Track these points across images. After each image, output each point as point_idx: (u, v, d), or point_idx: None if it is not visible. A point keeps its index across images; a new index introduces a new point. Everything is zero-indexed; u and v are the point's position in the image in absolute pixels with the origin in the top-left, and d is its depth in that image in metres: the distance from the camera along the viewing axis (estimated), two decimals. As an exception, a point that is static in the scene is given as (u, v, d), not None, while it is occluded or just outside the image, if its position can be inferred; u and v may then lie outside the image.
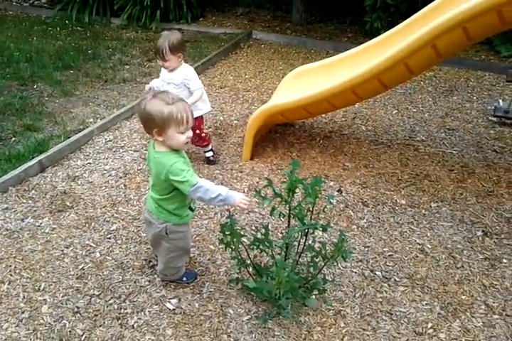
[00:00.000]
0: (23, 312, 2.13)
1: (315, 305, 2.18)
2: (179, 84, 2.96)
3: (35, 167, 3.12)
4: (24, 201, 2.85)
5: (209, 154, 3.33)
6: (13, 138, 3.54)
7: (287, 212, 2.24)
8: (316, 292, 2.21)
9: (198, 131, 3.12)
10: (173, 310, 2.16)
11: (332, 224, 2.67)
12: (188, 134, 1.91)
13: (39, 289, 2.25)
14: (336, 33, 6.21)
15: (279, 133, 3.73)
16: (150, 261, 2.44)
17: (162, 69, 3.01)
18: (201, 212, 2.83)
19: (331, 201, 2.23)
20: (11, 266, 2.37)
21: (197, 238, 2.62)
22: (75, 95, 4.31)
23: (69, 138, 3.48)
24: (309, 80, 3.61)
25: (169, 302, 2.20)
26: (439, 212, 2.84)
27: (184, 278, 2.30)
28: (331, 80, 3.09)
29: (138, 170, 3.20)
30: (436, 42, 2.69)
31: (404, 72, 2.96)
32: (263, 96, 4.38)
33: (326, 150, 3.50)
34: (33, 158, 3.20)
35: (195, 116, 2.80)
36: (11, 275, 2.32)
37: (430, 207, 2.89)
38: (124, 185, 3.03)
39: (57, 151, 3.29)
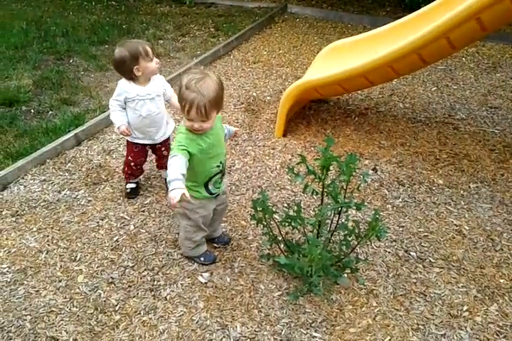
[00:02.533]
0: (60, 281, 2.19)
1: (347, 284, 2.16)
2: (160, 95, 2.54)
3: (71, 140, 3.18)
4: (61, 173, 2.92)
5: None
6: (50, 112, 3.61)
7: (320, 189, 2.20)
8: (348, 270, 2.19)
9: (166, 152, 2.68)
10: (205, 283, 2.19)
11: (366, 203, 2.62)
12: None
13: (75, 259, 2.31)
14: (374, 6, 5.97)
15: (312, 110, 3.65)
16: (182, 235, 2.46)
17: (125, 86, 2.43)
18: (233, 188, 2.82)
19: (366, 179, 2.17)
20: (48, 236, 2.45)
21: (228, 214, 2.62)
22: (109, 70, 4.32)
23: (104, 112, 3.52)
24: (345, 55, 3.50)
25: (201, 275, 2.22)
26: (478, 193, 2.73)
27: (202, 258, 2.28)
28: (368, 55, 2.98)
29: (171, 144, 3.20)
30: (481, 15, 2.53)
31: (446, 47, 2.81)
32: (297, 72, 4.28)
33: (361, 127, 3.40)
34: (69, 131, 3.25)
35: (170, 133, 2.67)
36: (48, 245, 2.39)
37: (469, 187, 2.78)
38: (156, 159, 3.04)
39: (93, 125, 3.34)
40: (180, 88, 1.83)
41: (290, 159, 3.07)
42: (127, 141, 2.62)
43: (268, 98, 3.86)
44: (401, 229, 2.50)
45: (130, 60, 2.34)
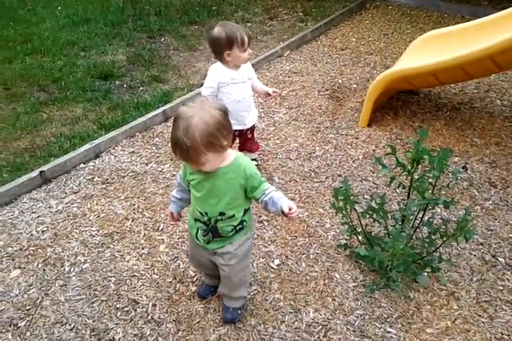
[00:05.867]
0: (143, 248, 2.30)
1: (426, 283, 2.08)
2: (251, 78, 2.55)
3: (159, 116, 3.29)
4: (149, 147, 3.04)
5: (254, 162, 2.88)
6: (141, 88, 3.75)
7: (406, 183, 2.12)
8: (428, 269, 2.10)
9: (250, 136, 2.74)
10: (279, 265, 2.20)
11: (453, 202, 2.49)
12: None
13: (158, 229, 2.41)
14: (476, -5, 5.58)
15: (401, 101, 3.51)
16: (260, 216, 2.49)
17: (218, 70, 2.45)
18: (312, 174, 2.80)
19: (457, 177, 2.06)
20: (134, 204, 2.57)
21: (306, 200, 2.60)
22: (198, 50, 4.42)
23: (191, 91, 3.60)
24: (441, 46, 3.31)
25: (276, 258, 2.24)
26: None
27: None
28: (466, 47, 2.79)
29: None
30: None
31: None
32: (387, 61, 4.13)
33: (453, 123, 3.22)
34: (158, 107, 3.37)
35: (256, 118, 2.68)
36: (134, 213, 2.51)
37: None
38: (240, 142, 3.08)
39: (181, 103, 3.43)
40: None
41: (374, 150, 2.98)
42: None
43: (354, 86, 3.75)
44: (489, 232, 2.35)
45: (224, 44, 2.33)
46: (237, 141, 2.77)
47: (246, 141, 2.74)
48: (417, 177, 2.05)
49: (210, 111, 1.49)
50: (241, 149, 2.84)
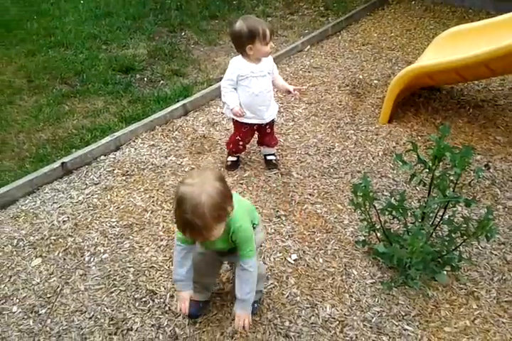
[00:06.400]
0: (161, 240, 2.33)
1: (445, 281, 2.06)
2: (270, 72, 2.54)
3: (179, 110, 3.31)
4: (168, 140, 3.06)
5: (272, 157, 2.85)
6: (162, 81, 3.78)
7: (427, 180, 2.10)
8: (448, 268, 2.08)
9: (269, 130, 2.74)
10: (297, 260, 2.20)
11: (475, 201, 2.45)
12: None
13: (176, 222, 2.43)
14: (502, -10, 5.45)
15: (423, 98, 3.46)
16: (277, 211, 2.49)
17: (238, 63, 2.46)
18: (331, 170, 2.78)
19: (480, 175, 2.03)
20: (154, 197, 2.59)
21: (325, 195, 2.59)
22: (218, 44, 4.42)
23: (211, 85, 3.61)
24: (465, 42, 3.24)
25: (293, 253, 2.24)
26: None
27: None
28: (491, 44, 2.73)
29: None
30: None
31: None
32: (409, 57, 4.07)
33: (476, 120, 3.17)
34: (178, 101, 3.39)
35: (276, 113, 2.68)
36: (153, 205, 2.54)
37: None
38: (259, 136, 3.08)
39: (200, 97, 3.44)
40: (174, 201, 1.54)
41: (394, 147, 2.95)
42: (235, 121, 2.63)
43: (375, 82, 3.71)
44: (511, 232, 2.31)
45: (246, 37, 2.34)
46: (256, 135, 2.78)
47: (265, 135, 2.73)
48: (438, 174, 2.02)
49: (211, 184, 1.48)
50: (260, 143, 2.84)
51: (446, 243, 2.08)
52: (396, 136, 3.06)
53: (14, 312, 1.99)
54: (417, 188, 2.60)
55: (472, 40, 3.20)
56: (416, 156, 2.02)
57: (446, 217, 2.12)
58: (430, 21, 4.83)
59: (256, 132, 2.74)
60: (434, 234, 2.17)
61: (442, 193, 2.04)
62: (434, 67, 2.96)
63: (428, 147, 2.78)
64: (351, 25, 4.79)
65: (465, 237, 2.00)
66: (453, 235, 2.06)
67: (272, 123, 2.70)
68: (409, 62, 3.79)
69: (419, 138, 3.02)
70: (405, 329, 1.87)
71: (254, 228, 1.77)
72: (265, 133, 2.72)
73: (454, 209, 2.28)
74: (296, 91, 2.61)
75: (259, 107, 2.54)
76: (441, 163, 2.56)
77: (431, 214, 2.15)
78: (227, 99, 2.51)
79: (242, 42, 2.37)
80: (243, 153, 2.87)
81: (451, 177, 2.02)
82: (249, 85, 2.47)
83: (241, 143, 2.69)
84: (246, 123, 2.60)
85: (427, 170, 2.03)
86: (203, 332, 1.90)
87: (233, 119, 2.64)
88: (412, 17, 4.95)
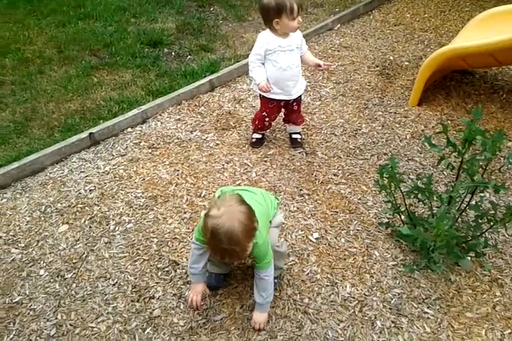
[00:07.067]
0: (185, 213, 2.35)
1: (469, 267, 2.04)
2: (299, 47, 2.51)
3: (206, 85, 3.30)
4: (194, 115, 3.06)
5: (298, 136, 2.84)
6: (189, 56, 3.76)
7: (456, 164, 2.06)
8: (472, 254, 2.06)
9: (296, 108, 2.70)
10: (318, 239, 2.20)
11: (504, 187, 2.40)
12: None
13: (200, 195, 2.45)
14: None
15: (454, 81, 3.37)
16: (301, 190, 2.48)
17: (266, 37, 2.44)
18: (357, 151, 2.76)
19: (510, 161, 1.98)
20: (178, 170, 2.61)
21: (349, 176, 2.57)
22: (247, 20, 4.36)
23: (238, 61, 3.58)
24: (502, 25, 3.12)
25: (315, 231, 2.24)
26: None
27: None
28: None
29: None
30: None
31: None
32: (442, 39, 3.96)
33: (509, 106, 3.08)
34: (204, 76, 3.38)
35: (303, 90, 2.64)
36: (178, 178, 2.56)
37: None
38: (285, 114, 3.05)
39: (227, 73, 3.42)
40: (206, 232, 1.56)
41: (423, 130, 2.90)
42: (262, 97, 2.61)
43: (406, 63, 3.63)
44: (540, 220, 2.26)
45: (273, 12, 2.31)
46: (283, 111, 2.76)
47: (292, 112, 2.71)
48: (467, 158, 1.98)
49: (238, 210, 1.53)
50: (286, 121, 2.81)
51: (471, 228, 2.05)
52: (425, 119, 2.99)
53: (41, 276, 2.05)
54: (444, 173, 2.56)
55: (509, 22, 3.08)
56: (445, 140, 1.97)
57: (473, 202, 2.09)
58: (466, 3, 4.68)
59: (283, 109, 2.72)
60: (460, 218, 2.14)
61: (471, 178, 2.00)
62: (468, 49, 2.87)
63: (458, 131, 2.72)
64: (384, 4, 4.67)
65: (492, 223, 1.97)
66: (479, 221, 2.03)
67: (299, 100, 2.67)
68: (442, 45, 3.68)
69: (449, 122, 2.95)
70: (425, 312, 1.87)
71: (270, 222, 1.85)
72: (292, 110, 2.69)
73: (482, 194, 2.25)
74: (325, 66, 2.57)
75: (287, 82, 2.51)
76: (471, 148, 2.53)
77: (458, 199, 2.11)
78: (254, 74, 2.49)
79: (269, 17, 2.35)
80: (268, 130, 2.86)
81: (481, 163, 1.98)
82: (277, 60, 2.44)
83: (267, 119, 2.67)
84: (273, 99, 2.57)
85: (456, 154, 1.98)
86: (223, 304, 1.93)
87: (260, 95, 2.62)
88: (447, -2, 4.79)
